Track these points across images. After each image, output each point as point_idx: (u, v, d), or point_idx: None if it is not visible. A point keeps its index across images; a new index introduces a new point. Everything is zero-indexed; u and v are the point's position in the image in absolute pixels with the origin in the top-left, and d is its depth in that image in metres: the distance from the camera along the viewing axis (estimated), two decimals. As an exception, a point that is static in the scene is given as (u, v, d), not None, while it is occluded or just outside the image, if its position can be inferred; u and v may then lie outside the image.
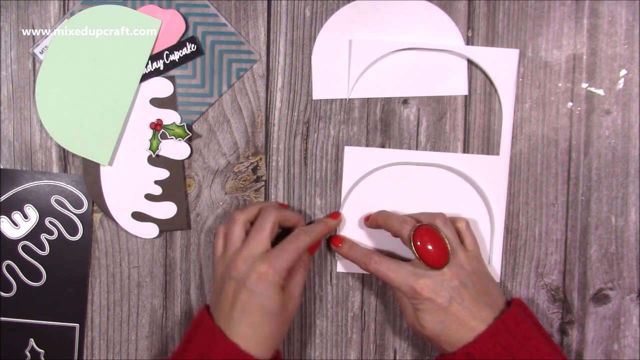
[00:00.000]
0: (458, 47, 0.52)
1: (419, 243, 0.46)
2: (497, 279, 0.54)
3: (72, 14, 0.54)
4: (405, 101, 0.54)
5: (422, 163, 0.53)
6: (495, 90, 0.53)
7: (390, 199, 0.53)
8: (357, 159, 0.54)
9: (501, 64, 0.52)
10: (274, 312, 0.45)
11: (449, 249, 0.46)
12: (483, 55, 0.52)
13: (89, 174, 0.55)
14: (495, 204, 0.53)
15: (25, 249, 0.55)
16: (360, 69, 0.53)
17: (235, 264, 0.46)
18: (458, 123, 0.54)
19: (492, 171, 0.53)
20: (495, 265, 0.53)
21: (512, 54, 0.52)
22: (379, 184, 0.53)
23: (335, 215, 0.53)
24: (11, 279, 0.56)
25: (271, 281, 0.45)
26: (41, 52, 0.54)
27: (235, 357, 0.43)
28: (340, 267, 0.55)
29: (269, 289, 0.45)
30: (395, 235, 0.49)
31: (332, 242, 0.53)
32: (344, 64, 0.54)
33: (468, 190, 0.53)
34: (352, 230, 0.54)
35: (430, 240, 0.46)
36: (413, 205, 0.53)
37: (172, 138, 0.54)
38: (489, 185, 0.53)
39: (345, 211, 0.54)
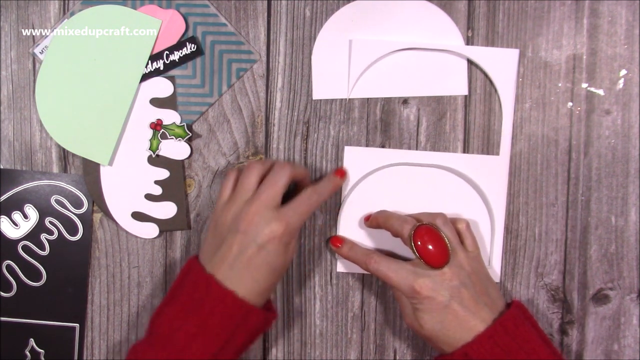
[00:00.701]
0: (458, 47, 0.52)
1: (419, 242, 0.46)
2: (497, 279, 0.54)
3: (72, 14, 0.54)
4: (405, 101, 0.54)
5: (422, 164, 0.53)
6: (495, 90, 0.53)
7: (390, 199, 0.53)
8: (357, 159, 0.54)
9: (501, 64, 0.52)
10: (278, 269, 0.46)
11: (449, 248, 0.46)
12: (483, 55, 0.52)
13: (89, 174, 0.55)
14: (495, 204, 0.53)
15: (25, 249, 0.55)
16: (360, 69, 0.53)
17: (246, 216, 0.45)
18: (458, 123, 0.54)
19: (492, 171, 0.53)
20: (495, 265, 0.53)
21: (512, 54, 0.52)
22: (379, 184, 0.53)
23: (341, 173, 0.53)
24: (11, 279, 0.56)
25: (284, 242, 0.45)
26: (41, 52, 0.54)
27: (232, 304, 0.44)
28: (340, 267, 0.55)
29: (280, 247, 0.45)
30: (396, 235, 0.49)
31: (332, 242, 0.53)
32: (344, 64, 0.54)
33: (468, 191, 0.53)
34: (352, 230, 0.54)
35: (431, 239, 0.46)
36: (413, 206, 0.53)
37: (172, 138, 0.54)
38: (489, 185, 0.53)
39: (345, 211, 0.54)
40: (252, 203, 0.46)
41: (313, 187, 0.49)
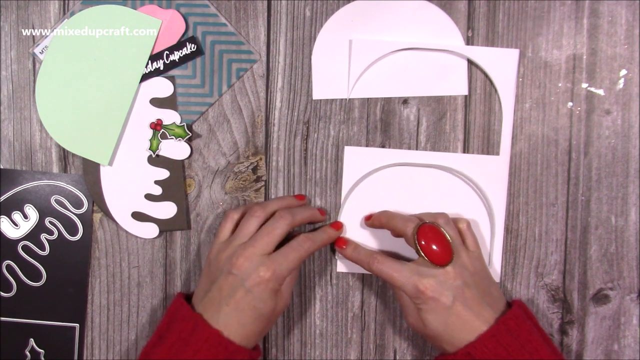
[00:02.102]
0: (458, 47, 0.52)
1: (423, 242, 0.46)
2: (497, 279, 0.54)
3: (72, 14, 0.54)
4: (405, 101, 0.54)
5: (422, 164, 0.53)
6: (495, 90, 0.53)
7: (390, 199, 0.53)
8: (357, 159, 0.54)
9: (501, 64, 0.52)
10: (265, 315, 0.46)
11: (453, 247, 0.46)
12: (483, 55, 0.52)
13: (89, 174, 0.55)
14: (496, 204, 0.53)
15: (25, 249, 0.55)
16: (361, 68, 0.53)
17: (237, 260, 0.46)
18: (458, 123, 0.54)
19: (492, 171, 0.53)
20: (495, 265, 0.53)
21: (512, 54, 0.52)
22: (379, 184, 0.53)
23: (337, 225, 0.53)
24: (11, 279, 0.56)
25: (270, 287, 0.46)
26: (41, 52, 0.54)
27: (217, 344, 0.44)
28: (340, 267, 0.55)
29: (265, 293, 0.45)
30: (399, 234, 0.49)
31: (336, 244, 0.53)
32: (344, 64, 0.54)
33: (468, 191, 0.53)
34: (352, 230, 0.54)
35: (434, 238, 0.46)
36: (413, 206, 0.53)
37: (172, 138, 0.54)
38: (489, 185, 0.53)
39: (345, 211, 0.54)
40: (246, 248, 0.47)
41: (306, 235, 0.49)
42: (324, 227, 0.53)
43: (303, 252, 0.48)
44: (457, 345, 0.44)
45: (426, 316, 0.45)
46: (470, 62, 0.53)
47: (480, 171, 0.53)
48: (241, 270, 0.46)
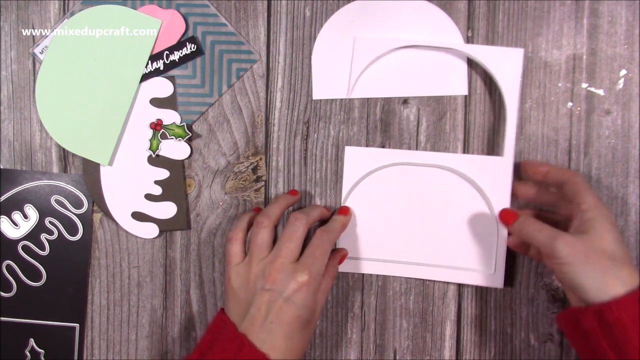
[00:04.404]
0: (462, 45, 0.52)
1: None
2: (501, 284, 0.53)
3: (72, 14, 0.54)
4: (405, 101, 0.54)
5: (423, 164, 0.53)
6: (499, 91, 0.53)
7: (391, 199, 0.53)
8: (357, 159, 0.53)
9: (505, 63, 0.52)
10: (308, 321, 0.45)
11: None
12: (487, 54, 0.52)
13: (89, 174, 0.55)
14: (498, 205, 0.52)
15: (25, 249, 0.55)
16: (363, 66, 0.53)
17: (269, 275, 0.45)
18: (458, 123, 0.54)
19: (495, 173, 0.52)
20: (499, 266, 0.52)
21: (517, 54, 0.52)
22: (379, 184, 0.53)
23: (345, 211, 0.53)
24: (11, 279, 0.56)
25: (311, 290, 0.45)
26: (41, 52, 0.54)
27: None
28: (341, 267, 0.54)
29: (308, 298, 0.44)
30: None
31: (502, 218, 0.51)
32: (344, 64, 0.54)
33: (470, 192, 0.53)
34: (351, 229, 0.54)
35: None
36: (414, 206, 0.53)
37: (172, 138, 0.54)
38: (492, 187, 0.52)
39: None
40: (275, 260, 0.45)
41: (322, 229, 0.49)
42: (333, 217, 0.52)
43: (327, 245, 0.48)
44: (591, 298, 0.41)
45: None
46: (472, 62, 0.53)
47: (482, 172, 0.52)
48: (277, 284, 0.44)
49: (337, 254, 0.52)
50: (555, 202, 0.50)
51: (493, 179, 0.52)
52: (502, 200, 0.52)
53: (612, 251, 0.42)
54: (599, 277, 0.41)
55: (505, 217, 0.50)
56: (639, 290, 0.41)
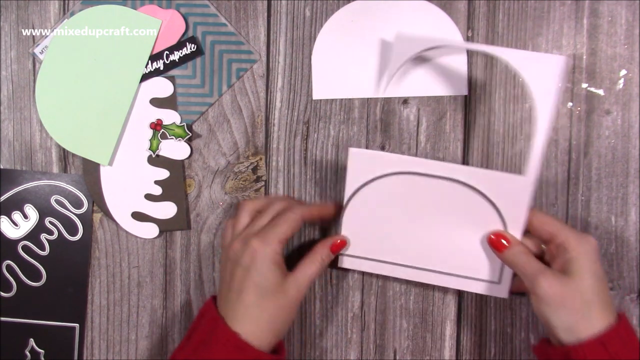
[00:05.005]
0: (496, 48, 0.48)
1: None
2: (506, 294, 0.53)
3: (72, 14, 0.54)
4: (405, 101, 0.54)
5: (437, 175, 0.48)
6: (530, 101, 0.51)
7: (397, 204, 0.49)
8: (362, 163, 0.48)
9: (541, 71, 0.45)
10: (269, 291, 0.44)
11: None
12: (522, 58, 0.46)
13: (89, 174, 0.55)
14: (512, 225, 0.47)
15: (25, 249, 0.55)
16: (401, 62, 0.50)
17: (232, 245, 0.46)
18: (458, 123, 0.54)
19: (514, 192, 0.46)
20: (506, 278, 0.50)
21: (557, 62, 0.45)
22: (386, 189, 0.49)
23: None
24: (11, 279, 0.56)
25: (263, 256, 0.44)
26: (41, 52, 0.54)
27: (235, 346, 0.43)
28: (346, 263, 0.51)
29: (262, 265, 0.44)
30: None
31: (493, 244, 0.48)
32: (344, 64, 0.54)
33: (483, 207, 0.47)
34: (353, 238, 0.51)
35: None
36: (421, 212, 0.49)
37: (172, 138, 0.54)
38: (508, 207, 0.47)
39: (346, 218, 0.50)
40: (240, 234, 0.47)
41: (295, 202, 0.49)
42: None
43: (292, 214, 0.47)
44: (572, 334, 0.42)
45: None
46: (473, 62, 0.53)
47: (500, 190, 0.46)
48: (236, 252, 0.46)
49: (329, 238, 0.50)
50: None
51: (510, 199, 0.47)
52: (516, 223, 0.47)
53: (589, 293, 0.43)
54: (572, 320, 0.42)
55: (497, 244, 0.47)
56: (606, 333, 0.42)
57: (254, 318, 0.44)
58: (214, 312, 0.45)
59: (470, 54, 0.53)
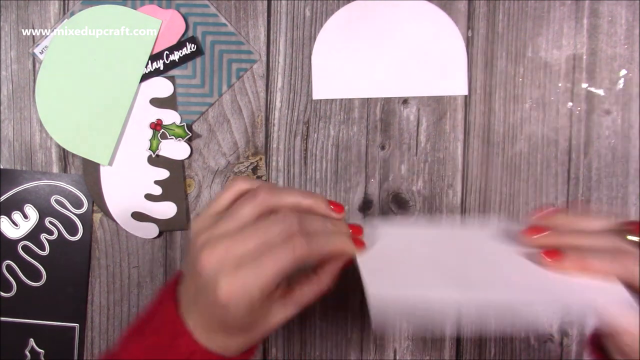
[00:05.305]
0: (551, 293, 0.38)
1: None
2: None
3: (72, 14, 0.54)
4: (405, 101, 0.54)
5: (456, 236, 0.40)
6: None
7: (417, 255, 0.40)
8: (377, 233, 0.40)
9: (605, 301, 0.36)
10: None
11: None
12: (581, 291, 0.37)
13: (89, 174, 0.55)
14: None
15: (25, 249, 0.55)
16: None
17: (202, 258, 0.34)
18: (458, 123, 0.54)
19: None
20: None
21: (616, 291, 0.36)
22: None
23: (339, 209, 0.39)
24: (11, 279, 0.56)
25: (239, 307, 0.34)
26: (41, 52, 0.54)
27: (174, 329, 0.36)
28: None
29: (237, 312, 0.34)
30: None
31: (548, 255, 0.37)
32: (344, 64, 0.54)
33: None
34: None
35: None
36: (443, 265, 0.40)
37: (172, 138, 0.54)
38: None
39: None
40: (217, 244, 0.35)
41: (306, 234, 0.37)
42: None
43: (287, 258, 0.35)
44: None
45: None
46: (473, 62, 0.53)
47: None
48: (205, 271, 0.34)
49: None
50: None
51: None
52: None
53: None
54: None
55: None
56: None
57: (190, 305, 0.36)
58: (173, 311, 0.37)
59: (470, 53, 0.53)
